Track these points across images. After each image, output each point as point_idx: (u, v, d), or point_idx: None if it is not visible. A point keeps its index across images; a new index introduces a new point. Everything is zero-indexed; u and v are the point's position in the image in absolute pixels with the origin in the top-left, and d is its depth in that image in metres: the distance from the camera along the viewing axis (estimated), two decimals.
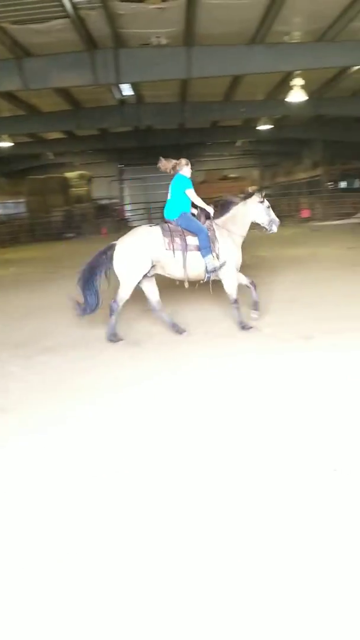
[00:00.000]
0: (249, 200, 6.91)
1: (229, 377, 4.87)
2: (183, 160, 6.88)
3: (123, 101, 18.15)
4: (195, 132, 25.72)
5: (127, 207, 33.51)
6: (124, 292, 6.38)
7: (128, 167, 35.08)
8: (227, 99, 18.59)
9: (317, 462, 3.29)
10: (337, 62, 13.28)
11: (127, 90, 16.73)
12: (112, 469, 3.43)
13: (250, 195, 6.98)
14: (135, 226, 29.09)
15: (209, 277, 6.54)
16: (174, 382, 4.88)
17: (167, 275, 6.57)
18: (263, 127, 22.09)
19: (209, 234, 6.52)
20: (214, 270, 6.50)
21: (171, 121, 21.17)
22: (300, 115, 21.40)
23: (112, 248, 6.40)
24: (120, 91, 16.00)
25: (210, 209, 6.76)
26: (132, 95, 17.35)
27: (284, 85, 16.41)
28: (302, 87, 14.90)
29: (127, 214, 32.05)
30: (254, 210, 6.91)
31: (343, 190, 27.64)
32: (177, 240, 6.39)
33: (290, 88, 15.04)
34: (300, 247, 14.77)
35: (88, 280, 6.33)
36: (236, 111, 19.56)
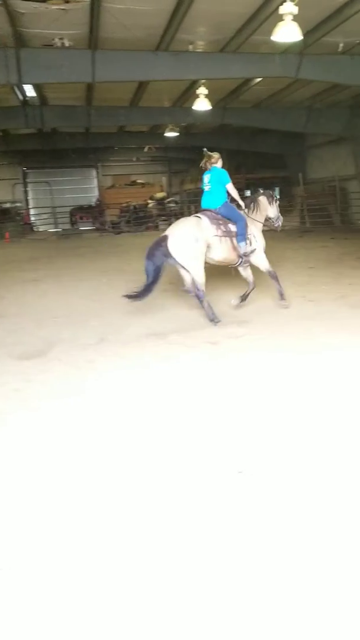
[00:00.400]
0: (267, 197, 8.00)
1: (142, 386, 4.77)
2: (216, 155, 7.71)
3: (26, 102, 17.78)
4: (102, 136, 25.64)
5: (32, 212, 32.68)
6: (199, 277, 6.93)
7: (32, 170, 34.24)
8: (133, 105, 18.74)
9: (222, 464, 3.30)
10: (239, 73, 13.76)
11: (29, 91, 16.42)
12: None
13: (269, 194, 8.15)
14: (41, 231, 28.33)
15: (241, 261, 7.34)
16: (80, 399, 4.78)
17: (207, 259, 7.10)
18: (170, 134, 22.44)
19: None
20: (246, 255, 7.30)
21: (77, 124, 20.98)
22: (205, 124, 21.98)
23: (165, 240, 6.87)
24: (22, 92, 15.65)
25: (241, 202, 7.65)
26: (34, 96, 17.05)
27: (189, 93, 16.80)
28: (207, 96, 15.30)
29: (32, 219, 31.25)
30: (270, 205, 8.00)
31: (246, 198, 28.61)
32: (222, 227, 7.11)
33: (196, 96, 15.40)
34: None
35: (151, 271, 6.91)
36: (142, 117, 19.74)
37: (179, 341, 6.15)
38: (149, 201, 30.19)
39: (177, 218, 28.89)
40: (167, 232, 7.04)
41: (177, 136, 23.06)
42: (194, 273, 6.92)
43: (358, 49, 12.64)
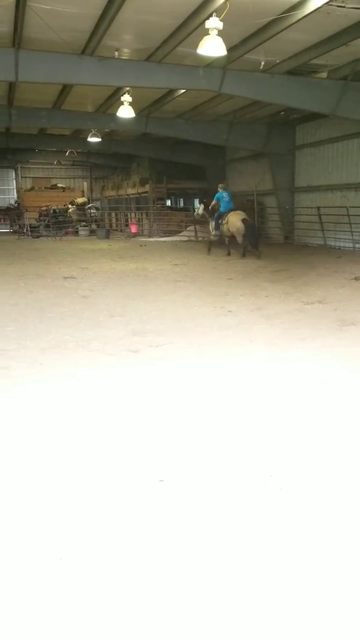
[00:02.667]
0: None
1: (62, 394, 4.65)
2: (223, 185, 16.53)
3: None
4: (22, 137, 25.03)
5: None
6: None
7: None
8: (56, 107, 18.46)
9: (145, 472, 3.31)
10: (163, 84, 13.91)
11: None
12: None
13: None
14: None
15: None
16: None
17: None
18: (93, 139, 22.30)
19: None
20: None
21: None
22: (129, 131, 22.03)
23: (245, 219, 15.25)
24: None
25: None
26: None
27: (113, 99, 16.78)
28: (131, 104, 15.34)
29: None
30: None
31: (169, 208, 28.94)
32: None
33: (121, 103, 15.40)
34: (128, 261, 15.10)
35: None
36: (65, 120, 19.51)
37: (99, 348, 6.10)
38: (70, 206, 29.83)
39: (98, 224, 28.92)
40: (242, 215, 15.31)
41: (99, 142, 22.96)
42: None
43: (278, 68, 13.15)
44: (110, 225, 29.96)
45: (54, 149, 29.49)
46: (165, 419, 4.10)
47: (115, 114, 16.36)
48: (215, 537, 2.65)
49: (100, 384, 4.91)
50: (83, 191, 34.82)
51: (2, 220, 28.87)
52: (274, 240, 21.22)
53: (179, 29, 10.90)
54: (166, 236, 24.30)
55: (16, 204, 30.48)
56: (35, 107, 18.56)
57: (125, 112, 15.51)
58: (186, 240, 22.27)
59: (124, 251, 18.37)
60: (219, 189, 16.41)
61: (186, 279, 11.62)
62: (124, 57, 12.67)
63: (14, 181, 33.31)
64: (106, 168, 33.90)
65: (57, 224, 26.84)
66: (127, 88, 14.76)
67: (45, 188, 33.36)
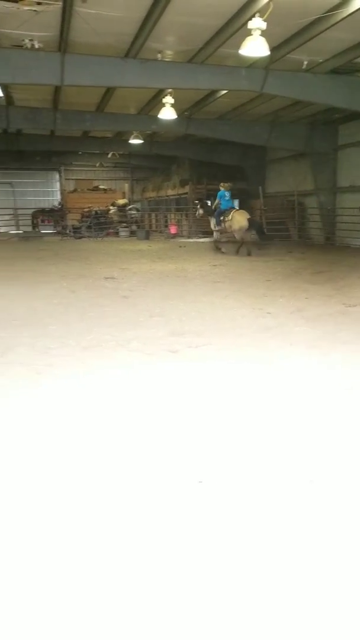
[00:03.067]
0: None
1: (101, 392, 4.73)
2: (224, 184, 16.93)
3: None
4: (66, 140, 25.51)
5: None
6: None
7: None
8: (99, 110, 18.74)
9: (183, 473, 3.31)
10: (205, 85, 13.99)
11: None
12: None
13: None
14: (1, 232, 28.39)
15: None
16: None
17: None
18: (134, 141, 22.53)
19: None
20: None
21: (42, 127, 20.82)
22: (170, 133, 22.17)
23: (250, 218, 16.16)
24: None
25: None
26: (1, 96, 16.83)
27: (155, 101, 16.92)
28: (173, 105, 15.46)
29: None
30: None
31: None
32: None
33: (162, 105, 15.53)
34: (167, 262, 15.20)
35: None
36: (108, 122, 19.79)
37: (139, 348, 6.17)
38: (111, 207, 30.17)
39: (138, 225, 29.22)
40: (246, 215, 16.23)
41: (141, 144, 23.16)
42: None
43: (321, 68, 13.04)
44: (150, 226, 30.16)
45: (97, 152, 29.89)
46: (204, 420, 4.12)
47: (157, 115, 16.51)
48: (256, 541, 2.68)
49: (140, 383, 4.97)
50: (124, 193, 35.16)
51: (46, 221, 29.42)
52: (315, 241, 20.98)
53: (221, 30, 10.94)
54: (205, 237, 24.31)
55: (59, 206, 31.01)
56: (79, 110, 18.88)
57: (167, 113, 15.63)
58: (225, 241, 22.24)
59: (163, 252, 18.48)
60: (220, 187, 17.11)
61: (225, 280, 11.63)
62: (166, 59, 12.79)
63: (58, 183, 33.91)
64: (147, 170, 34.14)
65: (99, 225, 27.20)
66: (170, 90, 14.87)
67: (87, 190, 33.81)
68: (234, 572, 2.41)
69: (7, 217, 28.69)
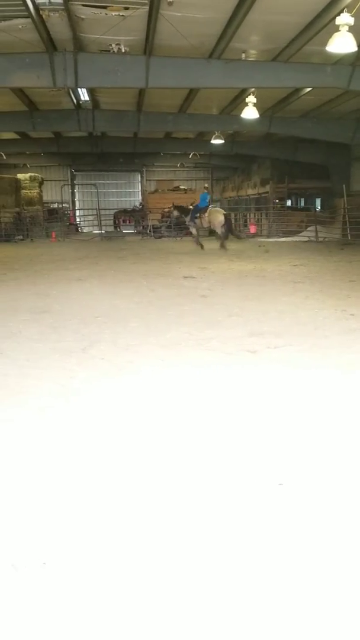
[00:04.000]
0: None
1: (180, 391, 4.78)
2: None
3: (79, 106, 18.19)
4: (148, 142, 25.97)
5: (77, 213, 33.31)
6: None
7: (80, 172, 34.94)
8: (182, 111, 18.94)
9: (259, 473, 3.30)
10: (289, 83, 13.81)
11: (84, 95, 16.79)
12: None
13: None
14: (85, 232, 29.47)
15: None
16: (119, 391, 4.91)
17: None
18: (216, 141, 22.60)
19: None
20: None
21: (125, 129, 21.32)
22: (251, 132, 22.04)
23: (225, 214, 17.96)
24: (78, 95, 16.01)
25: None
26: (88, 100, 17.44)
27: (237, 101, 16.89)
28: (255, 104, 15.37)
29: (77, 219, 31.81)
30: None
31: (289, 208, 28.52)
32: None
33: (245, 105, 15.47)
34: (246, 261, 15.12)
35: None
36: (190, 123, 19.97)
37: (217, 347, 6.18)
38: (190, 207, 30.40)
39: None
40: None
41: (222, 143, 23.20)
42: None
43: None
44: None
45: (178, 152, 30.23)
46: (285, 422, 4.08)
47: (239, 115, 16.47)
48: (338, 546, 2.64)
49: (219, 383, 4.98)
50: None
51: (127, 221, 30.11)
52: None
53: (307, 27, 10.78)
54: (285, 236, 23.99)
55: (140, 206, 31.64)
56: (162, 112, 19.17)
57: (250, 113, 15.56)
58: (306, 241, 21.85)
59: (242, 251, 18.40)
60: (204, 190, 20.51)
61: (305, 280, 11.41)
62: (250, 59, 12.74)
63: (139, 184, 34.62)
64: (227, 169, 34.15)
65: (179, 225, 27.49)
66: (253, 89, 14.80)
67: (168, 190, 34.28)
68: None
69: (90, 218, 29.58)
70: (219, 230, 18.25)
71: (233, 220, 21.04)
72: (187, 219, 19.53)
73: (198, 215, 18.65)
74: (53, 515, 2.85)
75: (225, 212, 18.91)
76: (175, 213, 20.85)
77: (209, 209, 18.67)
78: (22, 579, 2.34)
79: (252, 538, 2.65)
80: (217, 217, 18.21)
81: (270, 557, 2.51)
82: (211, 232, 19.92)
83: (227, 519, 2.81)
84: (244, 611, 2.17)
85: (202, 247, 18.60)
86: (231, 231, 18.85)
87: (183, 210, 20.21)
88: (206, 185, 21.48)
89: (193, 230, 19.41)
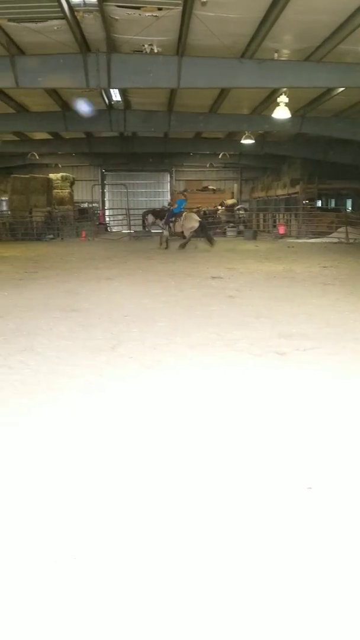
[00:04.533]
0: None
1: (208, 390, 4.79)
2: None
3: (111, 106, 18.32)
4: (178, 142, 26.00)
5: (107, 212, 33.56)
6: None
7: (110, 172, 35.19)
8: (213, 111, 18.91)
9: (288, 478, 3.28)
10: (322, 83, 13.67)
11: (115, 95, 16.91)
12: None
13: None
14: (114, 231, 29.91)
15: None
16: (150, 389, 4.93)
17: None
18: (246, 141, 22.50)
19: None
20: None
21: (156, 129, 21.38)
22: (282, 132, 21.89)
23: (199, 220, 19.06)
24: (110, 96, 16.12)
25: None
26: (119, 101, 17.55)
27: (269, 101, 16.80)
28: (287, 104, 15.25)
29: (107, 219, 32.04)
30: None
31: (319, 209, 28.23)
32: None
33: (276, 105, 15.37)
34: (275, 262, 15.03)
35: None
36: (221, 123, 19.93)
37: (245, 349, 6.17)
38: (219, 207, 30.34)
39: (245, 225, 29.30)
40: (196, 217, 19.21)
41: (252, 143, 23.08)
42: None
43: None
44: (258, 226, 29.98)
45: (208, 152, 30.19)
46: (314, 425, 4.05)
47: (270, 115, 16.36)
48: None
49: (247, 384, 4.96)
50: (233, 193, 35.23)
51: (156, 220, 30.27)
52: None
53: (341, 26, 10.65)
54: (315, 237, 23.76)
55: (169, 206, 31.72)
56: (193, 112, 19.17)
57: (281, 113, 15.43)
58: (336, 242, 21.61)
59: (270, 252, 18.29)
60: (182, 197, 21.31)
61: (336, 282, 11.30)
62: (282, 59, 12.65)
63: (168, 184, 34.70)
64: (256, 169, 33.96)
65: (207, 225, 27.47)
66: (284, 89, 14.69)
67: (197, 190, 34.28)
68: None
69: (120, 217, 29.74)
70: (187, 234, 19.23)
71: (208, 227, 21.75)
72: (162, 222, 20.51)
73: (173, 219, 19.69)
74: (84, 508, 2.90)
75: (200, 219, 19.89)
76: (151, 218, 21.58)
77: (184, 214, 19.67)
78: (62, 571, 2.43)
79: (282, 539, 2.65)
80: (190, 222, 19.28)
81: (300, 558, 2.50)
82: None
83: (258, 520, 2.82)
84: (269, 612, 2.18)
85: (166, 247, 19.81)
86: (207, 236, 19.62)
87: (158, 214, 21.26)
88: (184, 191, 23.28)
89: (165, 232, 20.40)
